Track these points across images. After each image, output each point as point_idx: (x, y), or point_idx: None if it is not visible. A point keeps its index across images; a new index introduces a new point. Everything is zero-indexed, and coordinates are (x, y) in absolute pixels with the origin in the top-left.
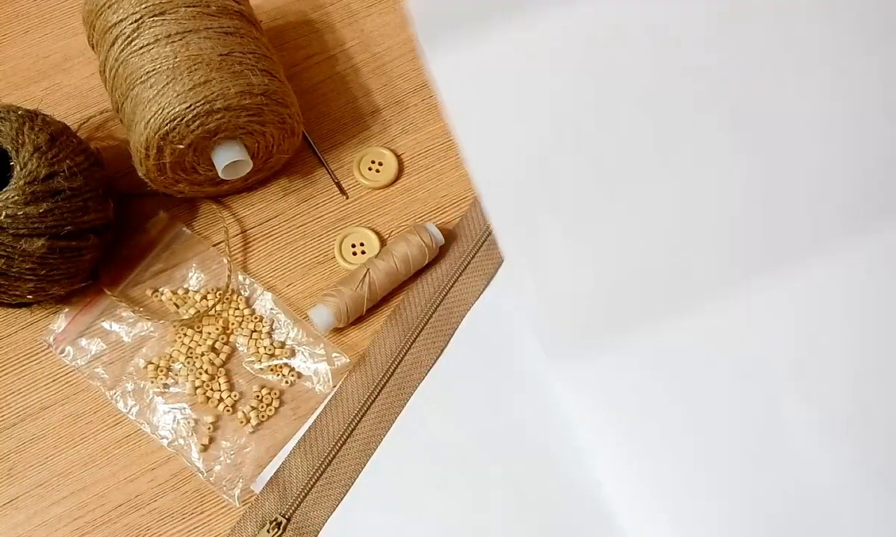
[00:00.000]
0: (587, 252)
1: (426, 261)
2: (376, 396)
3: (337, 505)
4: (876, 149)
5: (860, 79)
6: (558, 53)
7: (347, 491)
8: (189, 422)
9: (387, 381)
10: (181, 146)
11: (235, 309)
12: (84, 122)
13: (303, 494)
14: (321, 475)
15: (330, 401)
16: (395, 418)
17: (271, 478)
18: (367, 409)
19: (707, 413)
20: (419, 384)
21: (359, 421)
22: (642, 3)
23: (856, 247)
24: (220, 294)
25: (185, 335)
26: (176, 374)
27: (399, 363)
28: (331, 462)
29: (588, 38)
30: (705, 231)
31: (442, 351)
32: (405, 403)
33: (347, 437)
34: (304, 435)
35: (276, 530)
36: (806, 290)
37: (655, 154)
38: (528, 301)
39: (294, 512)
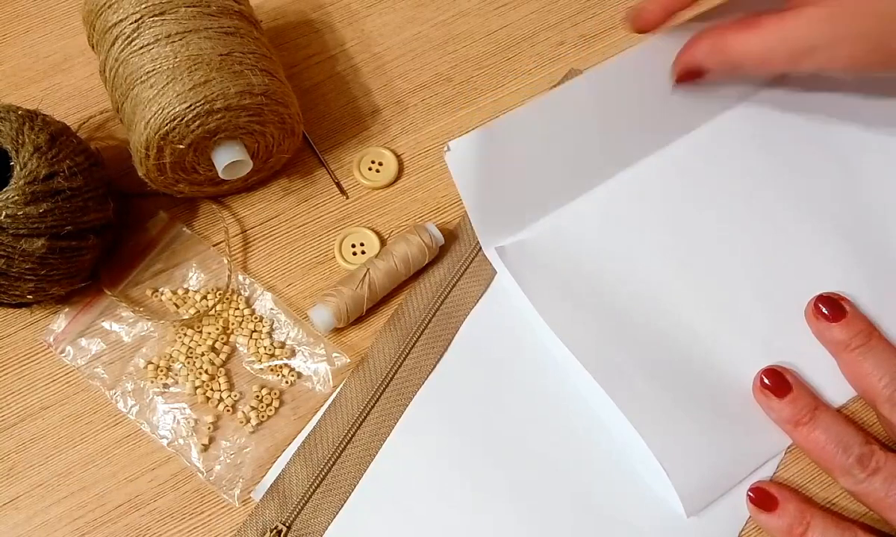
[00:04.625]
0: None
1: (426, 261)
2: (375, 402)
3: (337, 512)
4: None
5: None
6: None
7: (348, 497)
8: (189, 422)
9: (386, 387)
10: (181, 146)
11: (235, 309)
12: (84, 122)
13: (303, 501)
14: (321, 482)
15: (329, 407)
16: (395, 424)
17: (271, 486)
18: (367, 415)
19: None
20: (418, 389)
21: (358, 428)
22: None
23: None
24: (220, 294)
25: (185, 335)
26: (176, 374)
27: (398, 368)
28: (331, 469)
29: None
30: None
31: (441, 355)
32: (404, 409)
33: (347, 444)
34: (303, 442)
35: None
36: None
37: None
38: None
39: (294, 519)
